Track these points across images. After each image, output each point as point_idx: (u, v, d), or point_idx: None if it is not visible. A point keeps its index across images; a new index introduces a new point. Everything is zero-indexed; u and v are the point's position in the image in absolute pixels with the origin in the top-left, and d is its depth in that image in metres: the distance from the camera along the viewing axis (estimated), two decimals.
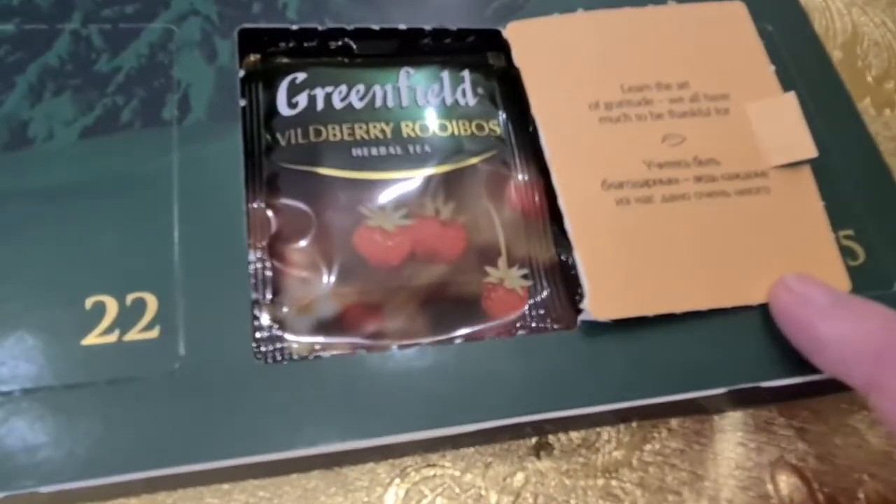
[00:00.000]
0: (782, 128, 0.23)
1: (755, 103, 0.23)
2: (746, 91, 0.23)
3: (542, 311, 0.21)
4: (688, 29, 0.25)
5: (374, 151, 0.22)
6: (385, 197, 0.21)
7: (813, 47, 0.26)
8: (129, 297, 0.18)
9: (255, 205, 0.21)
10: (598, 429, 0.20)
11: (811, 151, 0.22)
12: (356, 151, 0.22)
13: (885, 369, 0.17)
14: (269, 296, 0.20)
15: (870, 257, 0.22)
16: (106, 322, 0.17)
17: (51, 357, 0.17)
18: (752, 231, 0.21)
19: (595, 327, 0.19)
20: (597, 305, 0.19)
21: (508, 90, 0.24)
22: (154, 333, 0.17)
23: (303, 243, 0.21)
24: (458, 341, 0.20)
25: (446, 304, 0.21)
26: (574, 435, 0.20)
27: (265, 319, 0.19)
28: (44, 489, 0.16)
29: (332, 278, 0.20)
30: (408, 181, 0.22)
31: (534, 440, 0.20)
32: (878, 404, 0.17)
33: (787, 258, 0.21)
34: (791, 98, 0.23)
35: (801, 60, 0.26)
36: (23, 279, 0.17)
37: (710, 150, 0.22)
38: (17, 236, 0.18)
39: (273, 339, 0.19)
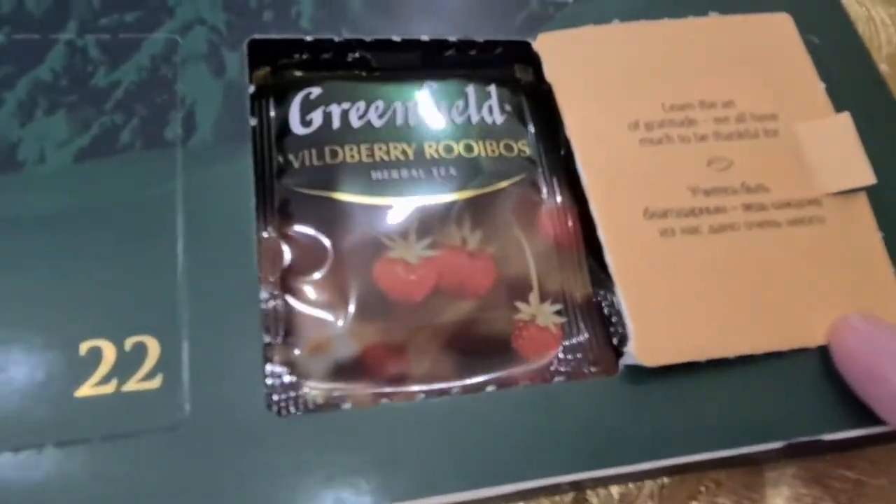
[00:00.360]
0: (836, 151, 0.21)
1: (806, 125, 0.22)
2: (796, 111, 0.22)
3: (578, 354, 0.19)
4: (732, 43, 0.23)
5: (394, 174, 0.20)
6: (407, 225, 0.20)
7: (863, 62, 0.25)
8: (129, 342, 0.16)
9: (266, 234, 0.19)
10: (639, 483, 0.18)
11: (869, 177, 0.21)
12: (375, 174, 0.20)
13: None
14: (280, 336, 0.18)
15: None
16: (103, 370, 0.16)
17: (41, 411, 0.15)
18: (807, 265, 0.20)
19: (638, 372, 0.18)
20: (644, 349, 0.18)
21: (538, 106, 0.23)
22: (155, 383, 0.16)
23: (318, 276, 0.19)
24: (489, 388, 0.18)
25: (474, 344, 0.19)
26: (614, 490, 0.18)
27: (277, 364, 0.17)
28: None
29: (350, 316, 0.18)
30: (432, 207, 0.20)
31: (570, 497, 0.18)
32: None
33: (845, 295, 0.20)
34: (846, 119, 0.21)
35: (850, 76, 0.24)
36: (9, 321, 0.16)
37: (759, 176, 0.21)
38: (3, 272, 0.16)
39: (287, 386, 0.17)
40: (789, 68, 0.23)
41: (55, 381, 0.15)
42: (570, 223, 0.21)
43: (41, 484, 0.15)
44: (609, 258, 0.19)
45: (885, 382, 0.17)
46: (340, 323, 0.18)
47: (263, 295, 0.18)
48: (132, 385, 0.16)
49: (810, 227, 0.20)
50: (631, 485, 0.19)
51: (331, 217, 0.19)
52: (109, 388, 0.15)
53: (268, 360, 0.17)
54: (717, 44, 0.23)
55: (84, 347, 0.16)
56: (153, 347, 0.16)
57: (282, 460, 0.16)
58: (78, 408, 0.15)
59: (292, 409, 0.17)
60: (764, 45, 0.23)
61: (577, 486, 0.18)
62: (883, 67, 0.28)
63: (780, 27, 0.24)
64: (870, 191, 0.21)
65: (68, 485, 0.15)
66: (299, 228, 0.19)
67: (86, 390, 0.15)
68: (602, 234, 0.19)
